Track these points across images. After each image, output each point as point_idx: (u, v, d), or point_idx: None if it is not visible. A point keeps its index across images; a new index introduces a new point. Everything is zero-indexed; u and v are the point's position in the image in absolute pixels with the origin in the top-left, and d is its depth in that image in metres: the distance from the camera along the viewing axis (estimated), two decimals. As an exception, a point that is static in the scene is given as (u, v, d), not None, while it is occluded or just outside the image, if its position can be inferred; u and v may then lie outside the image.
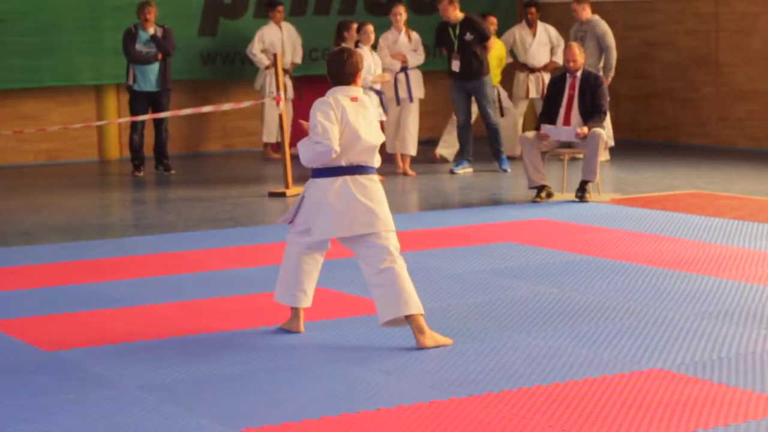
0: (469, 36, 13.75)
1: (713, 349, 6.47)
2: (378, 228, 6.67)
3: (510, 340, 6.71)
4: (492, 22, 14.73)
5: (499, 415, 5.43)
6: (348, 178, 6.70)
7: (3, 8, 14.79)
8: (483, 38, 13.83)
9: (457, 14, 13.83)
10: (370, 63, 13.19)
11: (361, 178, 6.72)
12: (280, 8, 15.49)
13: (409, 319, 6.61)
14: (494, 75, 14.53)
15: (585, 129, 11.56)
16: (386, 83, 13.59)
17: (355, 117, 6.68)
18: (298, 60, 15.80)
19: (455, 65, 13.80)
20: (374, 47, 13.60)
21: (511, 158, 14.41)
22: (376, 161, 6.82)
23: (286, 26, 15.67)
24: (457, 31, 13.79)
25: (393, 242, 6.73)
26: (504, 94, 15.02)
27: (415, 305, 6.61)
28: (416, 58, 14.22)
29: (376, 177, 6.82)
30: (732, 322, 7.01)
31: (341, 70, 6.77)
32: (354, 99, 6.72)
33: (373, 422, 5.37)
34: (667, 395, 5.67)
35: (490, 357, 6.37)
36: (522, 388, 5.82)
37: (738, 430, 5.19)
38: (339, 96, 6.71)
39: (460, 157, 14.18)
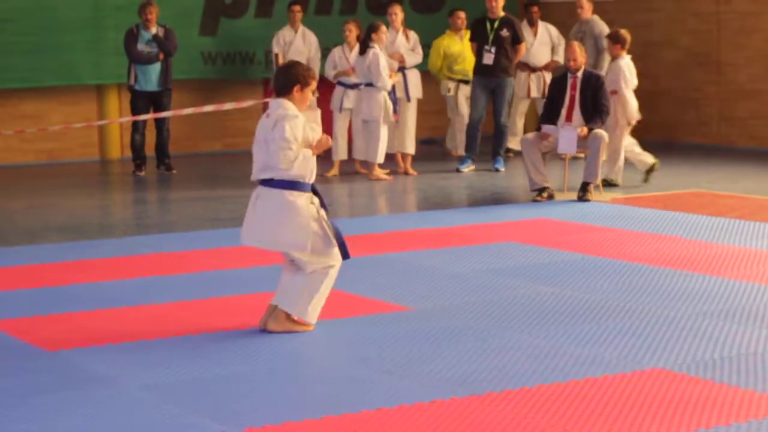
0: (506, 32, 13.83)
1: (714, 348, 6.47)
2: (268, 245, 6.93)
3: (511, 339, 6.71)
4: (460, 17, 14.76)
5: (500, 415, 5.43)
6: (258, 188, 6.97)
7: (5, 7, 14.79)
8: (517, 40, 13.92)
9: (500, 10, 13.91)
10: (384, 64, 13.24)
11: (266, 191, 6.89)
12: (294, 8, 15.24)
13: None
14: (443, 69, 14.69)
15: (585, 130, 11.57)
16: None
17: (257, 132, 6.98)
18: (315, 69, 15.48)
19: (488, 57, 13.83)
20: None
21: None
22: (273, 171, 6.83)
23: (304, 32, 15.23)
24: (495, 25, 13.85)
25: (306, 259, 6.85)
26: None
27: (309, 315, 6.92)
28: (414, 57, 14.24)
29: (280, 192, 6.83)
30: (733, 322, 7.00)
31: (274, 83, 7.02)
32: (267, 115, 6.94)
33: (375, 422, 5.37)
34: (669, 395, 5.67)
35: (491, 356, 6.37)
36: (524, 387, 5.82)
37: (739, 429, 5.19)
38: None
39: (466, 154, 14.24)
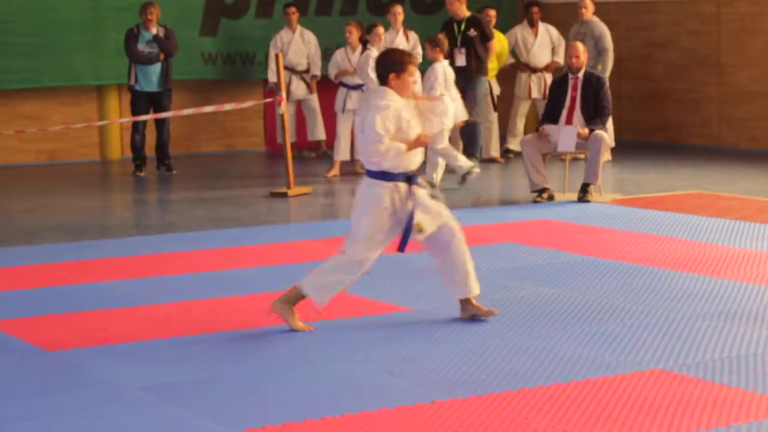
0: (472, 32, 13.81)
1: (715, 349, 6.47)
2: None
3: (511, 340, 6.71)
4: (490, 15, 14.75)
5: (500, 416, 5.43)
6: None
7: (5, 8, 14.79)
8: (486, 38, 13.87)
9: (463, 10, 13.89)
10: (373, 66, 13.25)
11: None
12: (290, 10, 15.33)
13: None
14: (491, 68, 14.60)
15: (585, 130, 11.57)
16: None
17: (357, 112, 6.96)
18: (317, 72, 15.47)
19: (460, 59, 13.83)
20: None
21: (490, 160, 14.74)
22: (366, 163, 6.85)
23: (302, 32, 15.38)
24: (462, 27, 13.84)
25: (351, 249, 6.90)
26: (496, 90, 15.02)
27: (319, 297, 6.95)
28: (414, 58, 14.26)
29: (366, 180, 6.87)
30: (733, 323, 7.00)
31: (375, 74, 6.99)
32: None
33: (375, 422, 5.37)
34: (669, 396, 5.67)
35: (491, 357, 6.37)
36: (523, 388, 5.82)
37: (740, 430, 5.19)
38: None
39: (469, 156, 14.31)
